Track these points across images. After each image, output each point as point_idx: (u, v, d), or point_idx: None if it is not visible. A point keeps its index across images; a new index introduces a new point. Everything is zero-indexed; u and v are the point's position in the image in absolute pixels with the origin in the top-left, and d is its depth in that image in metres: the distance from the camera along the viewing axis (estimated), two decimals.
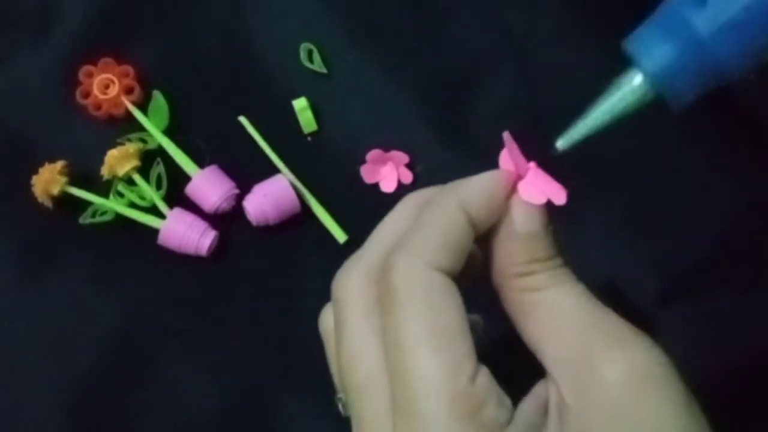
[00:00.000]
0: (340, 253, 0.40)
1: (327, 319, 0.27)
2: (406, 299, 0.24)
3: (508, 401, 0.24)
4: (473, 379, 0.23)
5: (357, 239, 0.40)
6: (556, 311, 0.24)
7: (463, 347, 0.23)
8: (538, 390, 0.25)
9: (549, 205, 0.26)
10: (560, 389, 0.24)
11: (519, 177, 0.26)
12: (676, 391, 0.23)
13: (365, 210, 0.40)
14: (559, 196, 0.25)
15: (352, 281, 0.26)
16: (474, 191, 0.25)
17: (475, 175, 0.26)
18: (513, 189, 0.26)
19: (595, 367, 0.23)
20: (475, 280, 0.27)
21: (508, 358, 0.24)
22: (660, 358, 0.23)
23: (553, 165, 0.26)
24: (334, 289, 0.26)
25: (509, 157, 0.26)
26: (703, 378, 0.37)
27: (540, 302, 0.25)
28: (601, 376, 0.23)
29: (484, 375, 0.23)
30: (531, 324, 0.25)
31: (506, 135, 0.26)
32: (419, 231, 0.25)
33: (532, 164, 0.26)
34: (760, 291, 0.39)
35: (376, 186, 0.41)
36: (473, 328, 0.29)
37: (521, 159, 0.26)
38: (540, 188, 0.25)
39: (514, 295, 0.25)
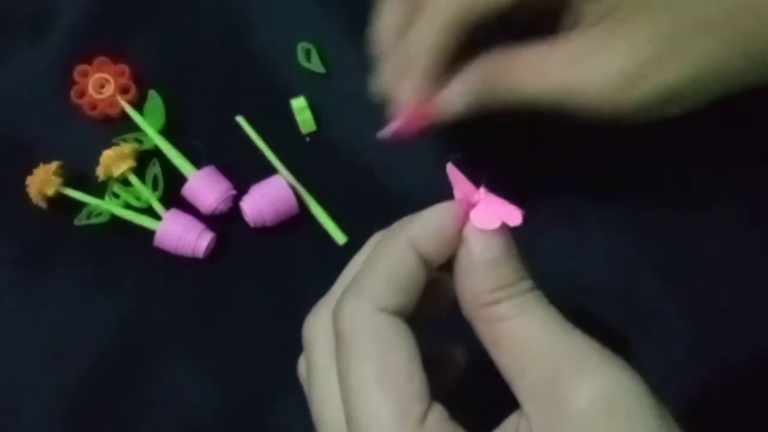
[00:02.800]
0: (340, 255, 0.40)
1: (301, 366, 0.28)
2: (351, 343, 0.24)
3: None
4: (422, 421, 0.23)
5: (356, 241, 0.40)
6: (522, 341, 0.24)
7: (411, 388, 0.23)
8: (507, 426, 0.24)
9: (507, 228, 0.25)
10: (531, 423, 0.23)
11: (470, 205, 0.26)
12: (648, 414, 0.22)
13: (365, 211, 0.40)
14: (513, 217, 0.25)
15: (317, 324, 0.26)
16: (423, 226, 0.25)
17: (425, 210, 0.26)
18: (466, 218, 0.25)
19: (561, 397, 0.23)
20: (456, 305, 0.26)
21: (498, 383, 0.24)
22: (628, 381, 0.23)
23: (508, 184, 0.26)
24: (303, 333, 0.27)
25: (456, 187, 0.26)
26: (704, 378, 0.38)
27: (507, 333, 0.24)
28: (568, 405, 0.22)
29: (436, 414, 0.23)
30: (501, 355, 0.24)
31: (449, 167, 0.26)
32: (366, 272, 0.25)
33: (482, 190, 0.26)
34: (761, 291, 0.39)
35: (376, 186, 0.41)
36: (450, 358, 0.29)
37: (469, 186, 0.26)
38: (494, 212, 0.25)
39: (482, 326, 0.25)
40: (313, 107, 0.41)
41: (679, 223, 0.40)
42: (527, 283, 0.25)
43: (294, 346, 0.39)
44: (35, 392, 0.39)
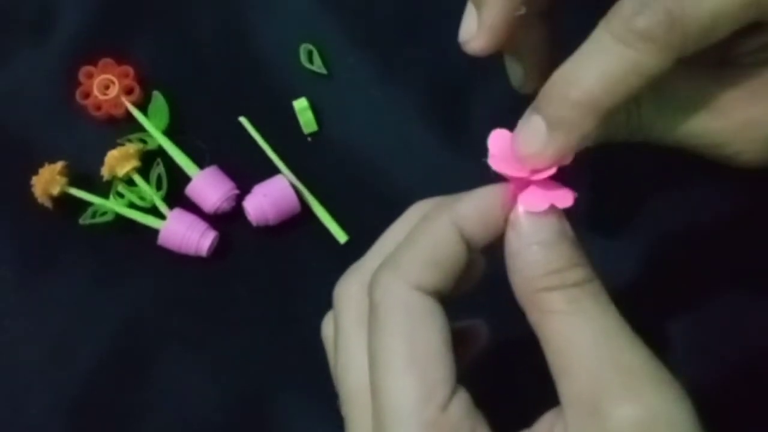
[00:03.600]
0: (341, 254, 0.41)
1: (328, 326, 0.27)
2: (384, 318, 0.23)
3: (484, 430, 0.23)
4: (445, 407, 0.22)
5: (357, 239, 0.40)
6: (572, 343, 0.23)
7: (438, 372, 0.23)
8: (542, 425, 0.24)
9: (561, 211, 0.24)
10: (567, 428, 0.23)
11: (519, 187, 0.25)
12: None
13: (365, 210, 0.41)
14: (564, 199, 0.24)
15: (349, 290, 0.26)
16: (469, 207, 0.24)
17: (473, 190, 0.25)
18: (514, 200, 0.24)
19: (602, 411, 0.22)
20: (482, 282, 0.26)
21: (520, 360, 0.24)
22: (676, 410, 0.22)
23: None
24: (334, 297, 0.26)
25: (504, 166, 0.25)
26: (703, 379, 0.38)
27: (557, 329, 0.23)
28: (607, 423, 0.22)
29: (460, 402, 0.23)
30: (549, 351, 0.23)
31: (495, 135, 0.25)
32: (406, 248, 0.24)
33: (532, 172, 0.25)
34: (761, 291, 0.39)
35: (377, 186, 0.41)
36: (474, 334, 0.28)
37: (517, 166, 0.25)
38: (544, 195, 0.24)
39: (534, 317, 0.24)
40: (315, 108, 0.41)
41: (679, 223, 0.40)
42: (582, 272, 0.23)
43: (296, 345, 0.39)
44: (38, 391, 0.39)
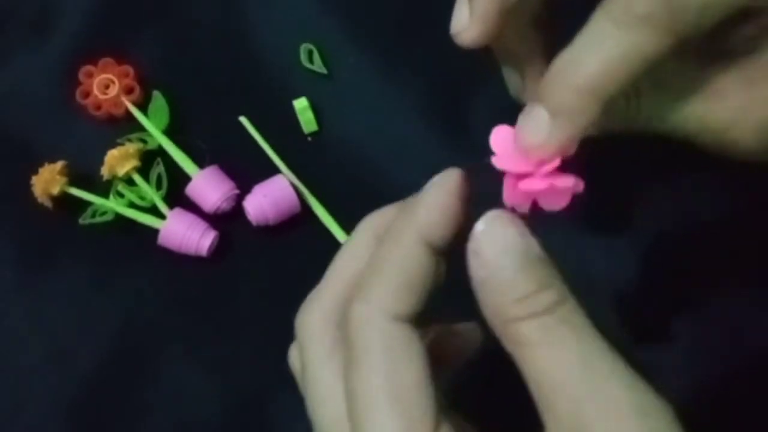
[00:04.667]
0: None
1: (295, 357, 0.27)
2: (362, 355, 0.23)
3: None
4: None
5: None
6: (548, 377, 0.21)
7: (420, 408, 0.22)
8: None
9: (526, 227, 0.23)
10: None
11: (520, 175, 0.24)
12: None
13: (366, 210, 0.40)
14: (575, 185, 0.23)
15: (311, 320, 0.25)
16: (430, 213, 0.23)
17: (424, 192, 0.24)
18: (518, 194, 0.24)
19: None
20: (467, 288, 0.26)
21: (509, 369, 0.23)
22: (660, 428, 0.21)
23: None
24: (297, 328, 0.26)
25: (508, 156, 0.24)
26: (704, 378, 0.38)
27: (532, 364, 0.22)
28: None
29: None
30: (528, 380, 0.22)
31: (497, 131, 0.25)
32: (376, 277, 0.23)
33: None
34: (761, 291, 0.39)
35: (377, 185, 0.41)
36: (467, 339, 0.28)
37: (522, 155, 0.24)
38: (551, 186, 0.23)
39: (509, 349, 0.22)
40: (315, 107, 0.41)
41: (679, 223, 0.40)
42: (552, 294, 0.22)
43: None
44: (38, 391, 0.39)
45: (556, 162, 0.24)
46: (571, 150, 0.24)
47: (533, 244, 0.23)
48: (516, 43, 0.30)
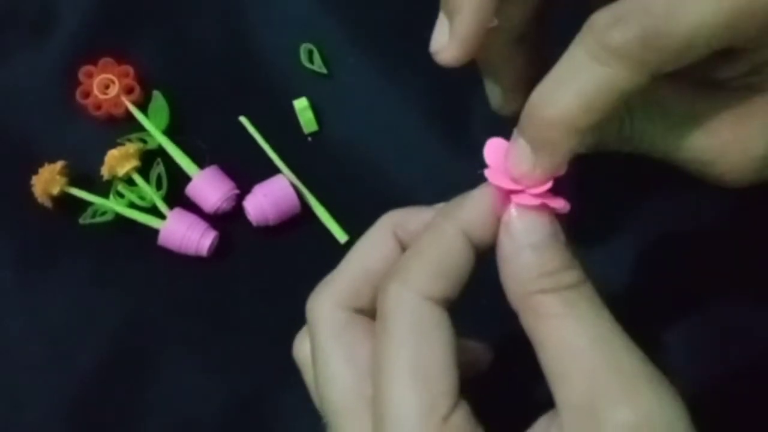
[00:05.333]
0: (341, 254, 0.40)
1: (302, 346, 0.27)
2: (393, 328, 0.24)
3: None
4: (447, 418, 0.23)
5: (357, 239, 0.40)
6: (568, 345, 0.23)
7: (442, 384, 0.23)
8: (537, 430, 0.24)
9: (553, 215, 0.24)
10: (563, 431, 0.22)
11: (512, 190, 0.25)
12: None
13: (366, 210, 0.40)
14: (560, 207, 0.24)
15: (323, 306, 0.26)
16: (474, 211, 0.25)
17: (472, 192, 0.25)
18: (507, 201, 0.25)
19: (599, 415, 0.22)
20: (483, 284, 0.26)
21: (519, 363, 0.24)
22: (671, 404, 0.22)
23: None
24: (307, 313, 0.26)
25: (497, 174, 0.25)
26: (704, 378, 0.38)
27: (552, 332, 0.23)
28: (603, 426, 0.22)
29: (461, 413, 0.23)
30: (544, 355, 0.23)
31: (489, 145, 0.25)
32: (415, 257, 0.24)
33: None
34: (761, 291, 0.39)
35: (377, 185, 0.41)
36: (477, 358, 0.29)
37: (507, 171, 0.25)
38: (536, 197, 0.24)
39: (529, 320, 0.23)
40: (315, 107, 0.41)
41: (679, 222, 0.40)
42: (576, 274, 0.23)
43: None
44: (38, 391, 0.39)
45: (548, 185, 0.25)
46: (561, 172, 0.25)
47: (560, 229, 0.24)
48: (497, 60, 0.30)
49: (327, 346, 0.25)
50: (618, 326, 0.23)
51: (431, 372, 0.23)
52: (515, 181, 0.25)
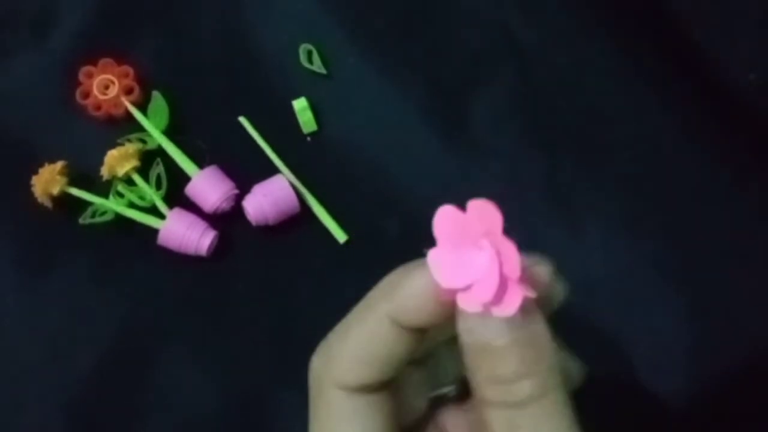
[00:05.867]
0: (340, 253, 0.41)
1: (318, 361, 0.26)
2: (313, 412, 0.23)
3: None
4: None
5: (357, 239, 0.40)
6: None
7: None
8: None
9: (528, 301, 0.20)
10: None
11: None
12: None
13: (365, 210, 0.41)
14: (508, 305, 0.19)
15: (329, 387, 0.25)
16: (406, 298, 0.21)
17: (410, 279, 0.22)
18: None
19: None
20: None
21: None
22: None
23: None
24: (310, 372, 0.25)
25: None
26: (704, 378, 0.38)
27: None
28: None
29: None
30: None
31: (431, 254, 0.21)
32: (340, 341, 0.23)
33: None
34: (761, 290, 0.39)
35: (376, 185, 0.41)
36: (570, 375, 0.24)
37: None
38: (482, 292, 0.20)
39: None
40: (315, 108, 0.42)
41: (679, 222, 0.40)
42: (528, 385, 0.20)
43: (296, 345, 0.39)
44: (38, 391, 0.39)
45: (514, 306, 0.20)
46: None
47: (534, 323, 0.20)
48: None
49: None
50: None
51: None
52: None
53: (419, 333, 0.22)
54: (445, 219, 0.21)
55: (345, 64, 0.42)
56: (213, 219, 0.40)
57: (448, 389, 0.26)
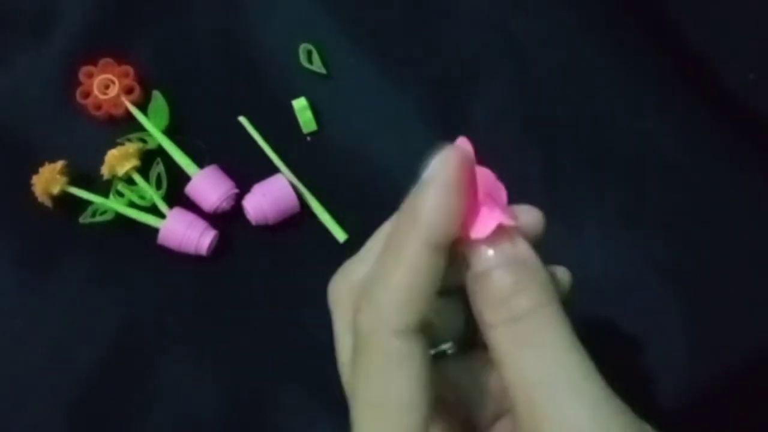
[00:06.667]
0: (340, 253, 0.40)
1: (341, 287, 0.26)
2: (362, 362, 0.23)
3: None
4: None
5: (357, 238, 0.40)
6: (515, 388, 0.22)
7: (407, 420, 0.22)
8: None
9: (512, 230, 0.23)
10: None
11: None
12: None
13: (365, 209, 0.41)
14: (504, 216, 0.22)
15: (339, 290, 0.26)
16: (434, 215, 0.22)
17: (426, 186, 0.23)
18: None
19: None
20: None
21: None
22: None
23: (508, 184, 0.25)
24: (328, 294, 0.26)
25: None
26: (704, 378, 0.38)
27: (501, 368, 0.22)
28: None
29: None
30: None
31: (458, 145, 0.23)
32: (382, 286, 0.23)
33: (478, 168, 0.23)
34: (761, 291, 0.39)
35: (376, 185, 0.41)
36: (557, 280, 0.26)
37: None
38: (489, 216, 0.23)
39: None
40: (315, 107, 0.42)
41: (679, 222, 0.40)
42: (526, 299, 0.22)
43: (296, 344, 0.39)
44: (38, 391, 0.39)
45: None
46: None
47: (519, 247, 0.23)
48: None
49: (339, 329, 0.25)
50: (575, 359, 0.22)
51: (396, 410, 0.22)
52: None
53: (447, 256, 0.23)
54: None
55: (345, 64, 0.43)
56: (213, 218, 0.40)
57: (447, 345, 0.27)
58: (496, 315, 0.22)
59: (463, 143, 0.24)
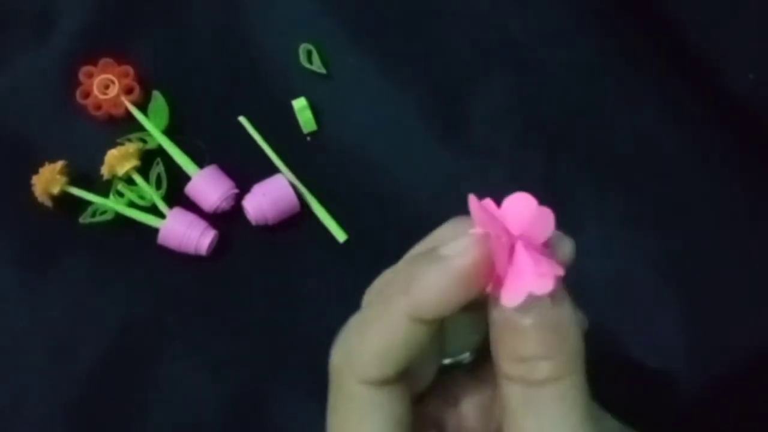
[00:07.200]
0: (340, 253, 0.41)
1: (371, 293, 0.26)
2: (333, 406, 0.23)
3: None
4: None
5: (356, 239, 0.40)
6: None
7: None
8: None
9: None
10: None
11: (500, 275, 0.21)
12: None
13: (365, 210, 0.41)
14: (543, 284, 0.20)
15: (375, 287, 0.25)
16: (426, 295, 0.21)
17: (427, 274, 0.21)
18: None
19: None
20: None
21: None
22: None
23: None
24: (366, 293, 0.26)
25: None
26: (704, 378, 0.38)
27: (506, 421, 0.22)
28: None
29: None
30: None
31: (474, 205, 0.21)
32: (358, 337, 0.23)
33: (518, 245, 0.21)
34: (761, 290, 0.39)
35: (376, 185, 0.41)
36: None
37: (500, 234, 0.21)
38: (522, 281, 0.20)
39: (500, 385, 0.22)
40: (315, 107, 0.42)
41: (679, 222, 0.40)
42: (547, 368, 0.21)
43: (296, 344, 0.39)
44: (38, 391, 0.39)
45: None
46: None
47: (559, 310, 0.21)
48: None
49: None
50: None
51: None
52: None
53: (438, 322, 0.22)
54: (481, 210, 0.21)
55: (345, 64, 0.43)
56: (213, 218, 0.40)
57: (464, 356, 0.26)
58: (513, 369, 0.21)
59: (489, 206, 0.22)
